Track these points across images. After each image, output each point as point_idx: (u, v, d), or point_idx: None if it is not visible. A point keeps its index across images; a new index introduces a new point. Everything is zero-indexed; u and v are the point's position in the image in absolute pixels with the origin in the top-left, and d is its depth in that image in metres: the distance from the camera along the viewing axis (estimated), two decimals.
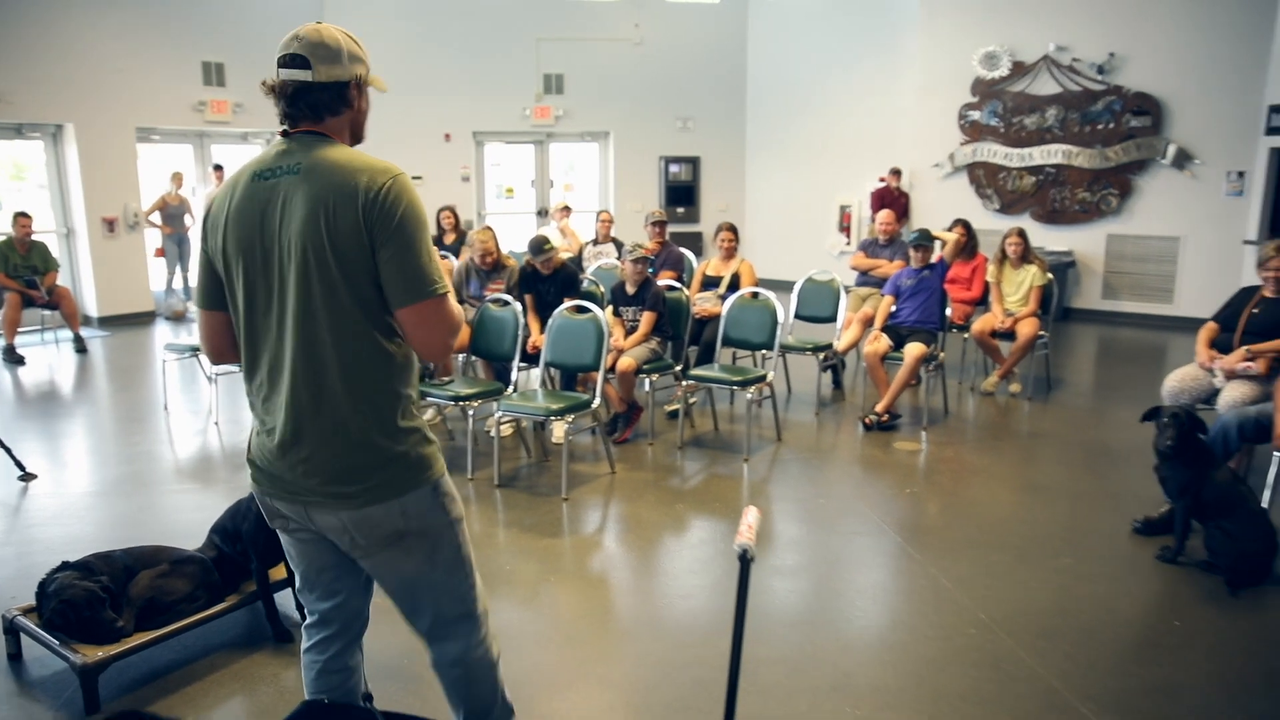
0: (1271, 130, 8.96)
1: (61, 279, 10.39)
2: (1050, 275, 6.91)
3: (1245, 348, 4.79)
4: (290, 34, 1.94)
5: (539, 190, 12.93)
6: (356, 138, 2.07)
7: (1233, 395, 4.66)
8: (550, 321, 5.46)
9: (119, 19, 9.93)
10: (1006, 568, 4.03)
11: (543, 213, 12.57)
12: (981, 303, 7.13)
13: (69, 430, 6.34)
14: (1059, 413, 6.48)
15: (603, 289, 6.41)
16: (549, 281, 6.17)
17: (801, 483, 5.16)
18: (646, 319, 5.87)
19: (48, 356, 8.74)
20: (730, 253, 6.92)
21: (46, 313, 9.18)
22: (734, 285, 6.71)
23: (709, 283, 6.90)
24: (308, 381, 1.91)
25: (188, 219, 11.00)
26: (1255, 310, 4.86)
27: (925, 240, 6.22)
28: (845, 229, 11.89)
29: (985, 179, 10.59)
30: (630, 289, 5.99)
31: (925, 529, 4.49)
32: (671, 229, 12.89)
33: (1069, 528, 4.47)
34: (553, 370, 5.74)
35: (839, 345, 6.65)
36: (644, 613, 3.67)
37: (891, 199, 10.95)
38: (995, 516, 4.63)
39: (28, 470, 5.15)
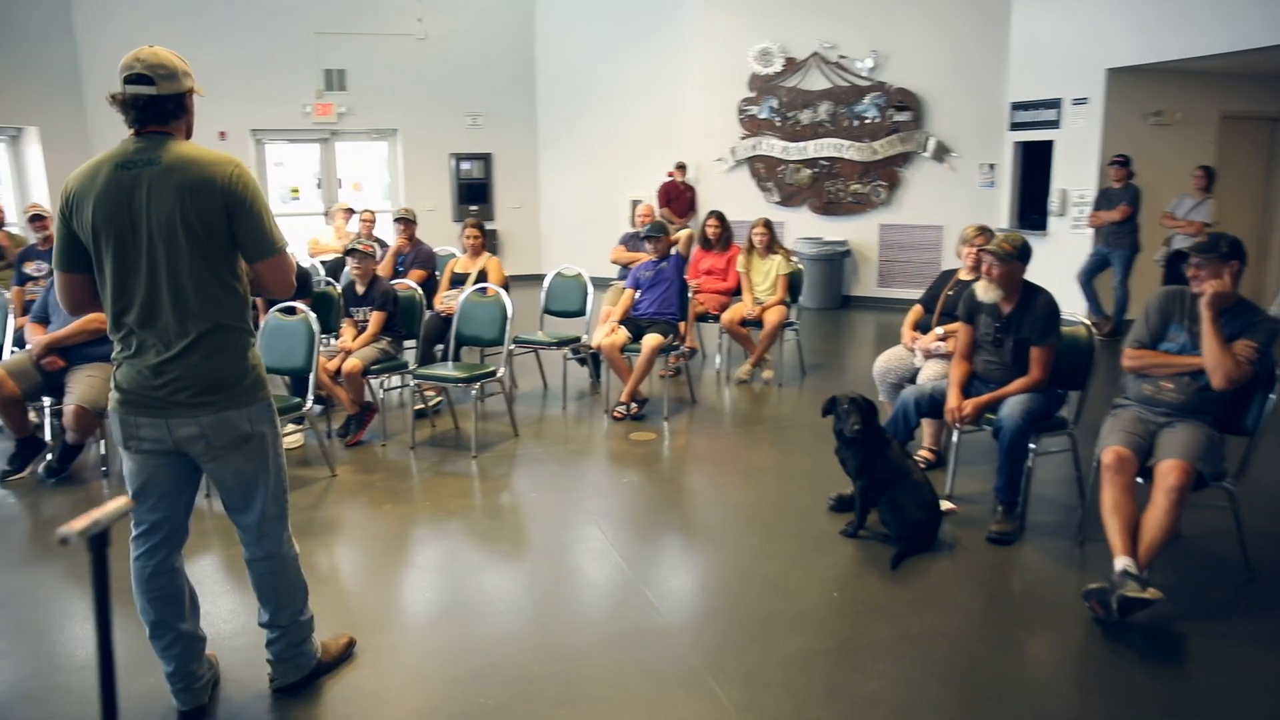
0: (1014, 126, 9.56)
1: None
2: (796, 264, 7.09)
3: (939, 328, 5.01)
4: (132, 55, 2.46)
5: (326, 190, 12.40)
6: (188, 134, 2.61)
7: (929, 373, 4.86)
8: (262, 325, 5.15)
9: None
10: (691, 551, 4.04)
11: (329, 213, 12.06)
12: (738, 293, 7.25)
13: None
14: (803, 397, 6.65)
15: (338, 290, 6.12)
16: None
17: (523, 477, 5.06)
18: (375, 319, 5.64)
19: None
20: (477, 250, 6.78)
21: None
22: (481, 281, 6.57)
23: (457, 280, 6.72)
24: (178, 320, 2.48)
25: None
26: (950, 292, 5.08)
27: (658, 232, 6.25)
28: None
29: (765, 172, 10.85)
30: (360, 288, 5.74)
31: (627, 516, 4.46)
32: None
33: (770, 508, 4.54)
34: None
35: (594, 341, 6.60)
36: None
37: (677, 193, 11.09)
38: (702, 501, 4.66)
39: None
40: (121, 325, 2.55)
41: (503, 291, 5.83)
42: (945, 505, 4.36)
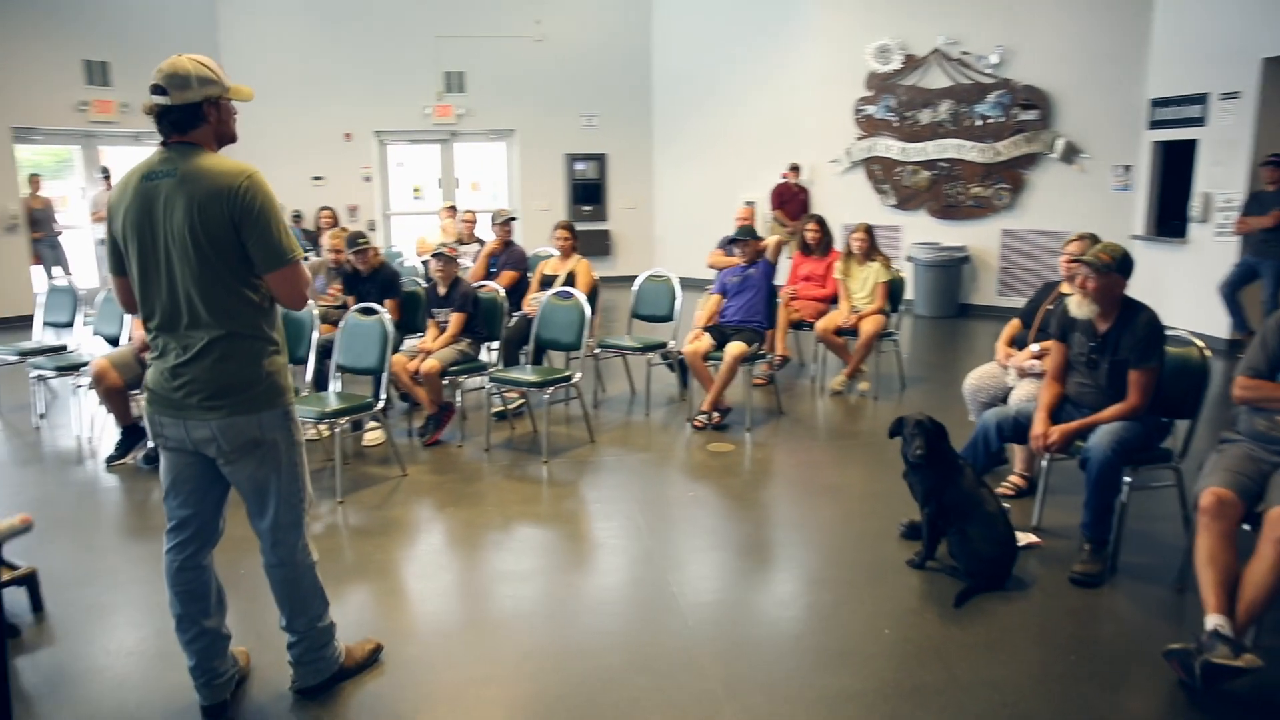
0: (1154, 124, 8.83)
1: None
2: (897, 271, 6.75)
3: (1035, 345, 4.63)
4: (157, 68, 2.50)
5: (445, 190, 12.73)
6: (224, 140, 2.63)
7: (1022, 394, 4.50)
8: (341, 324, 5.28)
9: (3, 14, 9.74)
10: (741, 573, 3.86)
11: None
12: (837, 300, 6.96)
13: None
14: (899, 412, 6.28)
15: (425, 290, 6.22)
16: (369, 282, 6.00)
17: (590, 485, 4.98)
18: (455, 320, 5.69)
19: None
20: (568, 252, 6.75)
21: None
22: (570, 285, 6.54)
23: (546, 282, 6.72)
24: (192, 326, 2.54)
25: (56, 222, 10.74)
26: (1050, 306, 4.69)
27: (745, 236, 6.05)
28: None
29: (882, 174, 10.44)
30: (441, 289, 5.81)
31: (684, 532, 4.32)
32: (578, 227, 12.86)
33: (837, 531, 4.30)
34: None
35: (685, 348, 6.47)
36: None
37: (791, 195, 10.81)
38: (766, 519, 4.47)
39: None
40: (149, 329, 2.66)
41: (581, 295, 5.77)
42: (1028, 539, 4.03)
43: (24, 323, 10.16)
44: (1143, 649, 3.18)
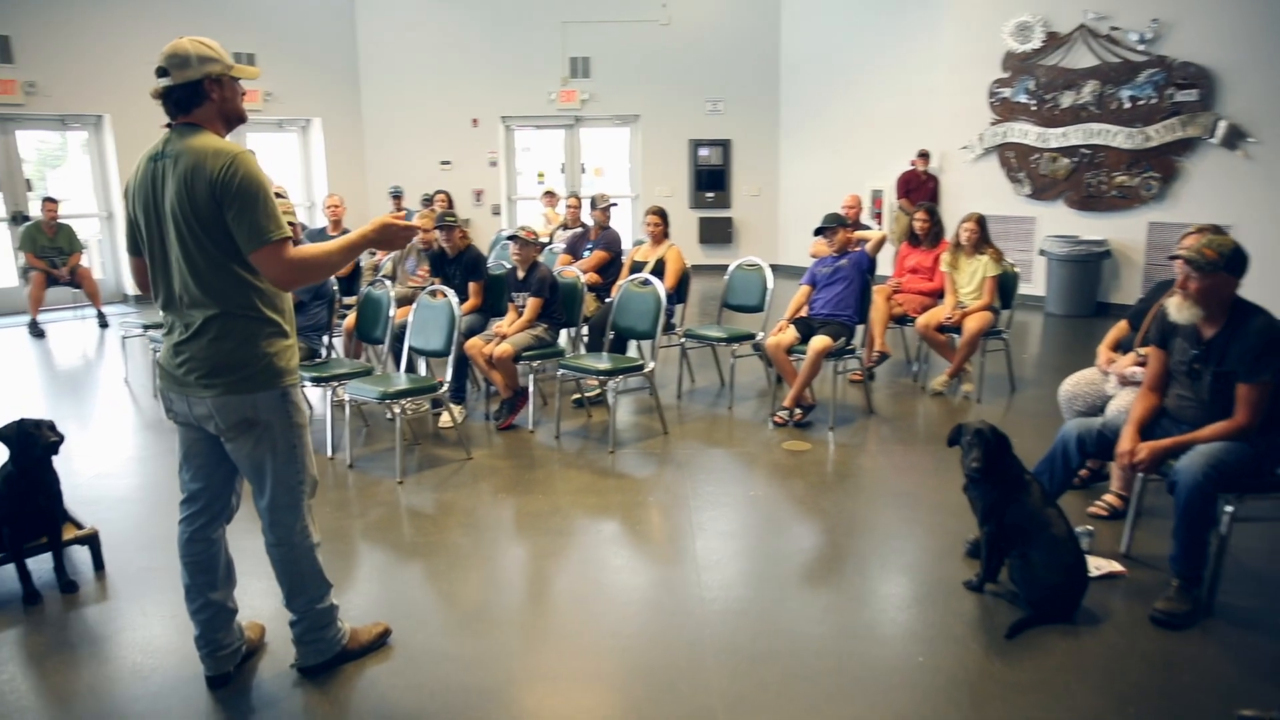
0: None
1: (103, 259, 11.06)
2: (1009, 265, 6.24)
3: (1138, 350, 4.15)
4: (160, 52, 2.53)
5: (569, 175, 12.80)
6: (231, 120, 2.65)
7: (1120, 404, 4.04)
8: (414, 304, 5.34)
9: (153, 10, 10.43)
10: (779, 583, 3.63)
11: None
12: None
13: (51, 394, 6.68)
14: (1004, 417, 5.84)
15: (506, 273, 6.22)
16: (455, 264, 6.06)
17: (651, 478, 4.83)
18: (531, 304, 5.65)
19: (71, 331, 9.29)
20: (658, 238, 6.61)
21: (76, 290, 9.75)
22: (659, 272, 6.41)
23: (637, 268, 6.60)
24: (190, 305, 2.57)
25: None
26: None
27: (832, 223, 5.72)
28: (877, 215, 11.19)
29: (1016, 161, 9.73)
30: (520, 273, 5.79)
31: (733, 534, 4.11)
32: (701, 214, 12.70)
33: (896, 542, 4.00)
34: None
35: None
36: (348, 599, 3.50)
37: (918, 183, 10.28)
38: (824, 525, 4.19)
39: None
40: (159, 305, 2.71)
41: (658, 283, 5.62)
42: (1110, 567, 3.62)
43: None
44: (1223, 709, 2.76)
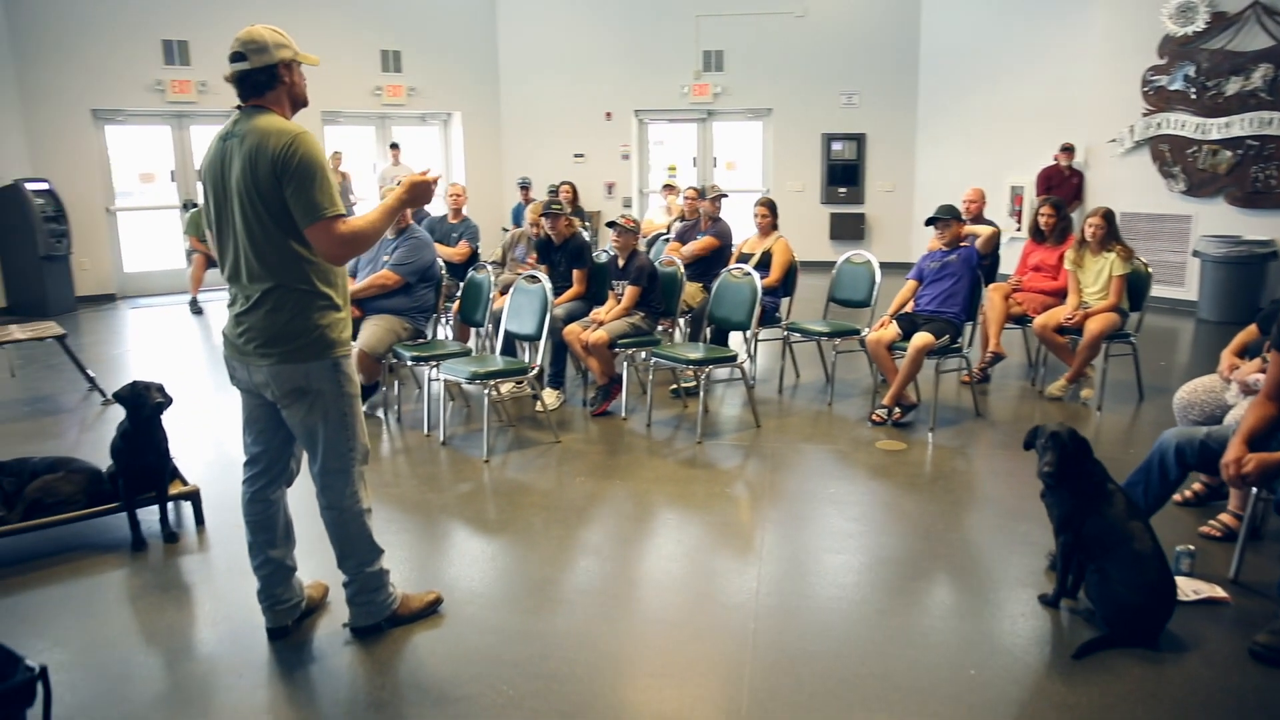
0: None
1: None
2: (1140, 263, 5.79)
3: (1265, 355, 3.77)
4: (235, 37, 2.69)
5: (701, 169, 12.79)
6: (296, 103, 2.82)
7: (1238, 414, 3.69)
8: (511, 289, 5.47)
9: (311, 11, 11.05)
10: (844, 584, 3.51)
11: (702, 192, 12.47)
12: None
13: (203, 365, 7.27)
14: (1126, 426, 5.44)
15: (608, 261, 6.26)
16: (560, 251, 6.17)
17: (731, 471, 4.77)
18: (629, 293, 5.68)
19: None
20: (766, 229, 6.50)
21: None
22: (765, 264, 6.32)
23: (743, 260, 6.52)
24: (250, 279, 2.72)
25: (353, 193, 12.03)
26: None
27: (945, 215, 5.46)
28: (1016, 213, 10.62)
29: (1171, 155, 9.00)
30: (621, 261, 5.83)
31: (802, 533, 4.00)
32: (832, 209, 12.43)
33: (975, 552, 3.79)
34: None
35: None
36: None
37: (1061, 179, 9.70)
38: (902, 529, 4.02)
39: (108, 396, 5.94)
40: (225, 276, 2.86)
41: (754, 274, 5.53)
42: (1210, 591, 3.31)
43: None
44: None
